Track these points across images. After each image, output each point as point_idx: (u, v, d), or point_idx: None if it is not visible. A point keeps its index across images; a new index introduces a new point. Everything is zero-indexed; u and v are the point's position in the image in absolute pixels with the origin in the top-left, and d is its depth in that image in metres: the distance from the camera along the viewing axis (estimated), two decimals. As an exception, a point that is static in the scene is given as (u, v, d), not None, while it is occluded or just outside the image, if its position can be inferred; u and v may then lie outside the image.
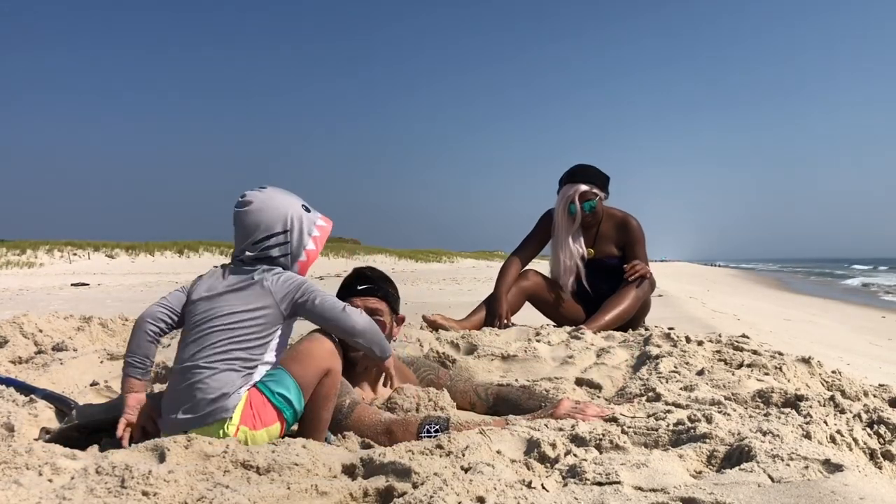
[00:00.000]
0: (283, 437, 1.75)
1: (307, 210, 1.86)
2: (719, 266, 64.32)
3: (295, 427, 1.81)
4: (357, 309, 1.81)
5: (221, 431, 1.64)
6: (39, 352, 2.76)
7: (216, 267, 1.84)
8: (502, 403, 2.19)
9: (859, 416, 1.68)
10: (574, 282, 3.90)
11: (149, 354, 1.74)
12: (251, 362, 1.70)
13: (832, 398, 1.82)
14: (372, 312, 2.08)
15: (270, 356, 1.75)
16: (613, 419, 1.76)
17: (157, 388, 2.34)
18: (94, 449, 1.67)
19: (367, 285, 2.15)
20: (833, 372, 2.50)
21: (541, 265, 4.14)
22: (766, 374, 2.37)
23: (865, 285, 23.02)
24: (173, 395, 1.70)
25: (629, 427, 1.66)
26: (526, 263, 3.99)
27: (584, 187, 3.78)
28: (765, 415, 1.78)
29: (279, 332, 1.76)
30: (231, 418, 1.66)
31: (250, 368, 1.70)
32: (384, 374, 1.97)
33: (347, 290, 2.15)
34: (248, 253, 1.78)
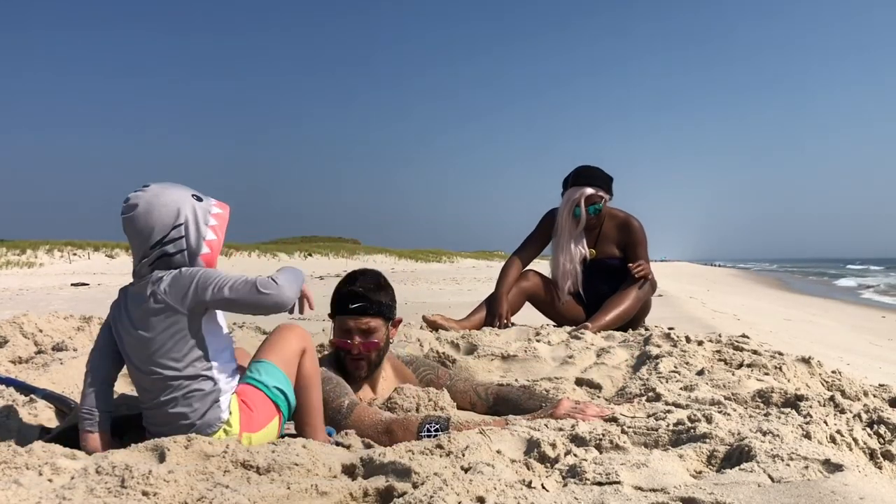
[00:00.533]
0: (281, 433, 1.76)
1: (199, 199, 1.71)
2: (719, 266, 64.61)
3: (292, 424, 1.82)
4: (265, 278, 1.66)
5: (220, 436, 1.65)
6: (39, 352, 2.75)
7: (121, 290, 1.75)
8: (502, 403, 2.19)
9: (859, 416, 1.68)
10: (572, 285, 3.89)
11: (97, 405, 1.69)
12: (203, 372, 1.65)
13: (832, 398, 1.82)
14: (367, 333, 2.08)
15: (221, 357, 1.69)
16: (613, 419, 1.76)
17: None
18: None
19: (358, 304, 2.08)
20: (833, 372, 2.50)
21: (541, 265, 4.14)
22: (766, 374, 2.37)
23: (860, 286, 23.62)
24: (155, 426, 1.68)
25: (629, 427, 1.66)
26: (527, 263, 3.99)
27: (589, 191, 3.77)
28: (765, 415, 1.78)
29: (203, 332, 1.66)
30: (229, 424, 1.66)
31: (208, 375, 1.66)
32: (380, 378, 2.06)
33: (339, 307, 2.11)
34: (144, 261, 1.66)
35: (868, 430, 1.62)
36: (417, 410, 2.03)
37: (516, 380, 2.48)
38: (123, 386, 2.42)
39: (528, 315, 3.95)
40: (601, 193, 3.78)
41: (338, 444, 1.74)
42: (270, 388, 1.70)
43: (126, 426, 1.81)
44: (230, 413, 1.67)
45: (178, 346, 1.64)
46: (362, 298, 2.09)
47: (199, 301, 1.62)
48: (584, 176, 3.83)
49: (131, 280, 1.72)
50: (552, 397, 2.11)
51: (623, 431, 1.63)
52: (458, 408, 2.20)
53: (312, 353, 1.82)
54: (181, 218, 1.65)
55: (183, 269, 1.65)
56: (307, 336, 1.82)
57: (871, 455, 1.53)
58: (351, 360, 2.11)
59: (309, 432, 1.76)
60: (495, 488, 1.24)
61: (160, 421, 1.67)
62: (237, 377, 1.73)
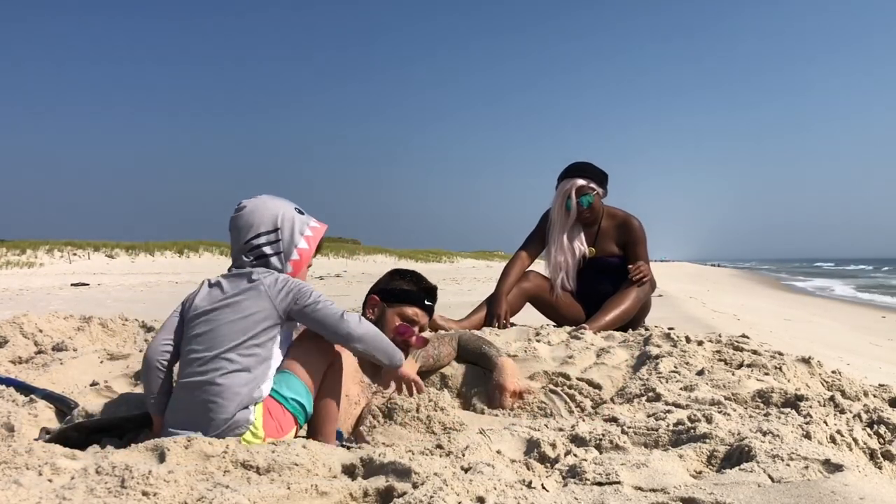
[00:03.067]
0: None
1: (300, 213, 1.89)
2: (719, 266, 64.90)
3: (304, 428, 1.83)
4: (355, 315, 1.80)
5: (248, 439, 1.65)
6: (39, 352, 2.76)
7: (208, 280, 1.83)
8: (462, 349, 2.58)
9: (859, 416, 1.68)
10: (565, 279, 3.89)
11: (162, 391, 1.75)
12: (256, 368, 1.70)
13: (832, 398, 1.82)
14: (422, 329, 2.38)
15: (276, 357, 1.75)
16: (614, 419, 1.76)
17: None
18: (94, 449, 1.67)
19: (435, 302, 2.44)
20: (833, 372, 2.50)
21: (541, 266, 4.15)
22: (766, 374, 2.36)
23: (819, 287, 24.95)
24: (183, 411, 1.68)
25: (629, 427, 1.66)
26: (529, 263, 3.99)
27: (580, 182, 3.79)
28: (765, 415, 1.78)
29: (278, 334, 1.76)
30: (255, 427, 1.66)
31: (256, 373, 1.70)
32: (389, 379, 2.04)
33: (417, 297, 2.39)
34: (242, 257, 1.81)
35: (868, 430, 1.62)
36: (418, 411, 2.03)
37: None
38: (124, 386, 2.43)
39: (529, 315, 3.95)
40: (592, 185, 3.79)
41: (346, 447, 1.74)
42: (289, 400, 1.72)
43: (126, 426, 1.81)
44: (255, 417, 1.68)
45: (253, 334, 1.71)
46: (435, 300, 2.43)
47: (292, 308, 1.74)
48: (576, 169, 3.84)
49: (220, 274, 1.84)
50: (490, 352, 2.48)
51: (623, 431, 1.63)
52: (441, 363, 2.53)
53: (338, 368, 1.83)
54: (279, 223, 1.83)
55: (285, 276, 1.79)
56: (334, 349, 1.82)
57: (871, 455, 1.53)
58: (399, 344, 2.14)
59: (320, 440, 1.77)
60: (495, 488, 1.24)
61: (189, 400, 1.66)
62: (269, 390, 1.74)
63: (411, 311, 2.37)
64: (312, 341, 1.78)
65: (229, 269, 1.83)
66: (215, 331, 1.71)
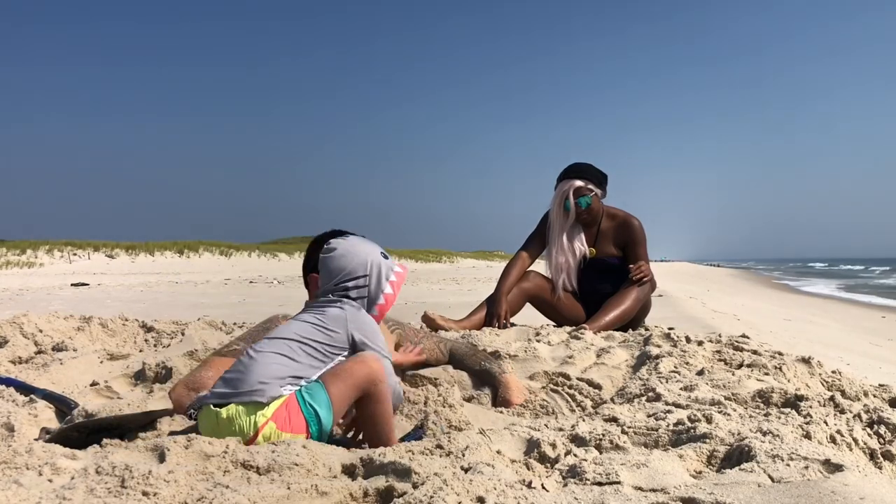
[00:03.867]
0: None
1: (385, 257, 1.97)
2: (718, 266, 65.19)
3: None
4: (397, 385, 1.87)
5: (252, 419, 1.64)
6: (39, 352, 2.76)
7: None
8: (452, 357, 2.54)
9: (859, 416, 1.68)
10: (566, 280, 3.89)
11: None
12: (302, 374, 1.73)
13: (832, 398, 1.82)
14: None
15: (313, 373, 1.76)
16: (614, 419, 1.76)
17: (157, 387, 2.34)
18: (94, 449, 1.67)
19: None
20: (833, 372, 2.50)
21: (541, 266, 4.15)
22: (766, 374, 2.36)
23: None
24: (223, 379, 1.74)
25: (629, 427, 1.66)
26: (529, 263, 3.99)
27: (579, 183, 3.79)
28: (765, 415, 1.78)
29: (339, 359, 1.79)
30: (266, 407, 1.66)
31: (298, 377, 1.72)
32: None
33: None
34: (330, 295, 1.90)
35: (868, 430, 1.62)
36: (425, 405, 2.04)
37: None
38: (124, 386, 2.43)
39: (529, 315, 3.95)
40: (591, 186, 3.79)
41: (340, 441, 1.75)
42: (307, 404, 1.71)
43: (126, 426, 1.81)
44: (274, 399, 1.68)
45: (318, 346, 1.77)
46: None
47: (356, 346, 1.81)
48: (575, 170, 3.84)
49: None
50: (492, 369, 2.40)
51: (623, 431, 1.63)
52: (428, 362, 2.51)
53: (373, 399, 1.76)
54: (368, 269, 1.91)
55: (366, 317, 1.86)
56: (376, 381, 1.76)
57: (871, 455, 1.53)
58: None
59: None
60: (495, 488, 1.24)
61: (234, 366, 1.74)
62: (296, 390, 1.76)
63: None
64: (356, 364, 1.77)
65: (316, 298, 1.92)
66: (289, 327, 1.81)
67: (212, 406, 1.66)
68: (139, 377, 2.47)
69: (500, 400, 2.34)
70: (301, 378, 1.72)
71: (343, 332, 1.80)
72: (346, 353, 1.80)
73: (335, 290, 1.89)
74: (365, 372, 1.75)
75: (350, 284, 1.89)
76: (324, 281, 1.92)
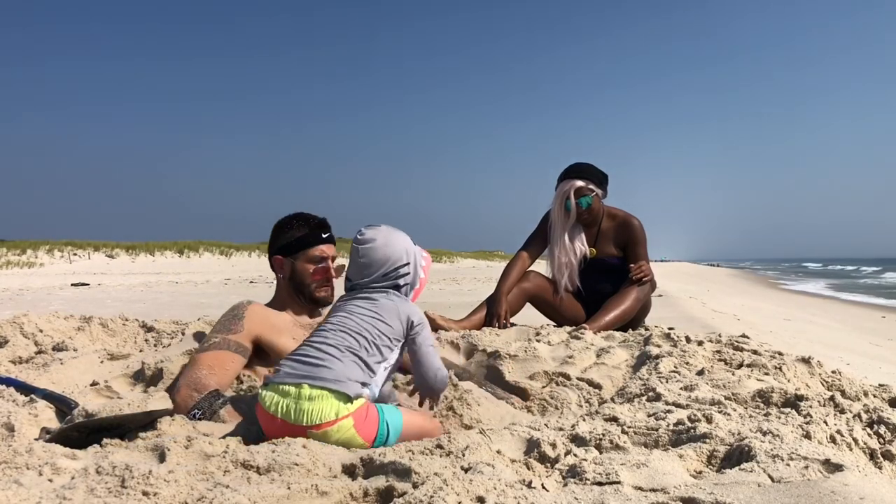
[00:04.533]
0: None
1: (413, 244, 2.04)
2: (718, 266, 65.51)
3: None
4: (443, 371, 1.92)
5: (337, 406, 1.67)
6: (39, 352, 2.76)
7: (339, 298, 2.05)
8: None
9: (859, 416, 1.68)
10: (568, 279, 3.89)
11: None
12: (370, 370, 1.79)
13: (832, 398, 1.82)
14: (334, 259, 2.55)
15: (383, 374, 1.84)
16: (614, 419, 1.76)
17: (152, 390, 2.33)
18: (95, 449, 1.67)
19: (330, 232, 2.56)
20: (833, 372, 2.50)
21: (542, 266, 4.15)
22: (766, 374, 2.36)
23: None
24: (293, 362, 1.76)
25: (629, 427, 1.66)
26: (529, 263, 3.99)
27: (579, 183, 3.79)
28: (765, 415, 1.78)
29: (397, 351, 1.87)
30: (352, 402, 1.70)
31: (369, 374, 1.78)
32: None
33: (312, 238, 2.50)
34: (376, 284, 1.94)
35: (868, 430, 1.62)
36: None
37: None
38: (124, 386, 2.43)
39: (529, 315, 3.95)
40: (591, 186, 3.79)
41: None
42: (384, 420, 1.76)
43: (126, 426, 1.81)
44: (359, 398, 1.73)
45: (379, 338, 1.83)
46: (330, 229, 2.55)
47: (412, 330, 1.89)
48: (575, 170, 3.84)
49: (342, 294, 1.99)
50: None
51: (623, 431, 1.63)
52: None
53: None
54: (409, 257, 1.98)
55: (414, 305, 1.94)
56: (437, 430, 1.86)
57: (871, 455, 1.53)
58: (324, 287, 2.52)
59: None
60: (495, 488, 1.24)
61: (309, 356, 1.76)
62: (376, 396, 1.83)
63: (317, 251, 2.51)
64: (431, 424, 1.88)
65: (354, 288, 1.95)
66: (351, 315, 1.85)
67: (290, 385, 1.69)
68: (138, 377, 2.47)
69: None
70: (369, 379, 1.79)
71: (398, 323, 1.87)
72: (402, 343, 1.88)
73: (383, 280, 1.94)
74: (430, 431, 1.85)
75: (400, 272, 1.95)
76: (366, 271, 1.94)
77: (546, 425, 1.73)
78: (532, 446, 1.55)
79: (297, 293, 2.56)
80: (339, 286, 2.58)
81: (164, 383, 2.36)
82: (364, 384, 1.76)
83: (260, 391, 1.74)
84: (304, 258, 2.51)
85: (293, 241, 2.51)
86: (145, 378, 2.44)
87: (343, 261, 2.47)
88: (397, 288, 1.96)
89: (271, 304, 2.59)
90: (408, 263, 1.97)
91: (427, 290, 11.70)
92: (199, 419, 1.95)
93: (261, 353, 2.36)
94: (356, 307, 1.88)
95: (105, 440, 1.70)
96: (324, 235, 2.52)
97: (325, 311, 2.41)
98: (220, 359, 2.21)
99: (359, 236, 1.98)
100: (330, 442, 1.66)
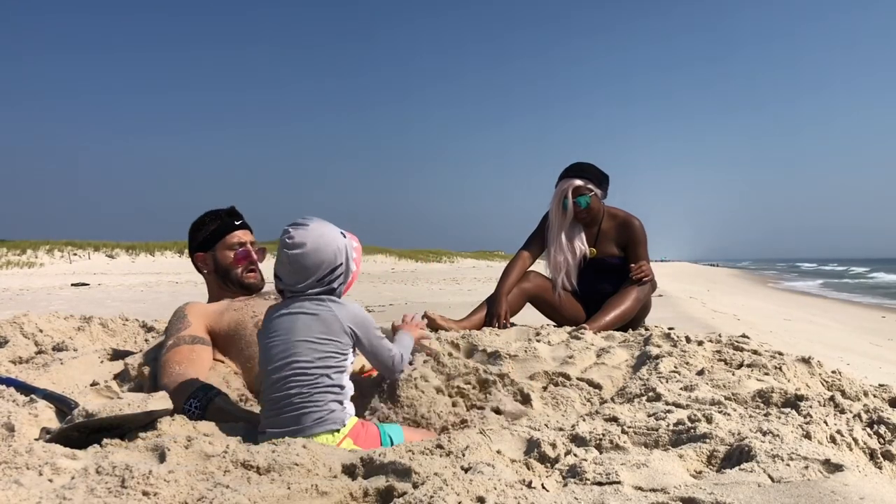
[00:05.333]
0: None
1: (343, 236, 1.97)
2: (717, 266, 65.89)
3: None
4: (399, 354, 1.97)
5: (333, 442, 1.73)
6: (40, 352, 2.75)
7: (272, 300, 2.17)
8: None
9: (859, 416, 1.68)
10: (565, 279, 3.89)
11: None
12: (338, 387, 1.82)
13: (832, 398, 1.82)
14: (253, 244, 2.61)
15: (348, 383, 1.86)
16: (614, 419, 1.76)
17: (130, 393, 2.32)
18: (95, 449, 1.67)
19: (242, 219, 2.63)
20: (833, 372, 2.50)
21: (542, 266, 4.15)
22: (766, 374, 2.36)
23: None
24: (274, 414, 1.78)
25: (629, 427, 1.66)
26: (530, 263, 3.99)
27: (578, 182, 3.79)
28: (765, 415, 1.78)
29: (351, 355, 1.88)
30: (344, 427, 1.77)
31: (339, 391, 1.82)
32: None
33: (224, 228, 2.57)
34: (312, 290, 1.89)
35: (868, 430, 1.62)
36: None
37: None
38: (123, 385, 2.42)
39: (529, 315, 3.95)
40: (590, 186, 3.79)
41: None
42: (388, 435, 1.83)
43: (126, 426, 1.81)
44: (348, 423, 1.80)
45: (334, 355, 1.83)
46: (241, 216, 2.61)
47: (356, 335, 1.88)
48: (575, 169, 3.84)
49: (279, 299, 1.96)
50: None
51: (623, 431, 1.63)
52: None
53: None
54: (341, 258, 1.91)
55: (355, 306, 1.91)
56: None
57: (871, 455, 1.53)
58: (250, 271, 2.59)
59: None
60: (495, 488, 1.24)
61: (279, 403, 1.78)
62: (352, 406, 1.87)
63: (233, 238, 2.58)
64: (429, 433, 1.96)
65: (289, 294, 1.90)
66: (298, 344, 1.83)
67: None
68: (124, 378, 2.45)
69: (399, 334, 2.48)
70: (341, 396, 1.82)
71: (344, 336, 1.85)
72: (352, 348, 1.88)
73: (317, 286, 1.88)
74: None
75: (335, 275, 1.90)
76: (298, 278, 1.87)
77: (546, 425, 1.74)
78: (532, 446, 1.55)
79: (225, 282, 2.62)
80: (266, 270, 2.59)
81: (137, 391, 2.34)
82: (340, 402, 1.80)
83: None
84: (221, 247, 2.58)
85: (208, 234, 2.59)
86: (129, 378, 2.43)
87: (268, 245, 2.57)
88: (332, 291, 1.91)
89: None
90: (340, 264, 1.91)
91: (427, 290, 11.68)
92: (196, 409, 1.97)
93: (220, 343, 2.40)
94: (299, 328, 1.83)
95: (105, 440, 1.70)
96: (237, 223, 2.59)
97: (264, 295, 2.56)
98: (183, 353, 2.24)
99: (287, 240, 1.87)
100: None
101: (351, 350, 1.87)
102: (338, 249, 1.90)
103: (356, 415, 1.89)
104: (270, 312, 1.90)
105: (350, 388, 1.87)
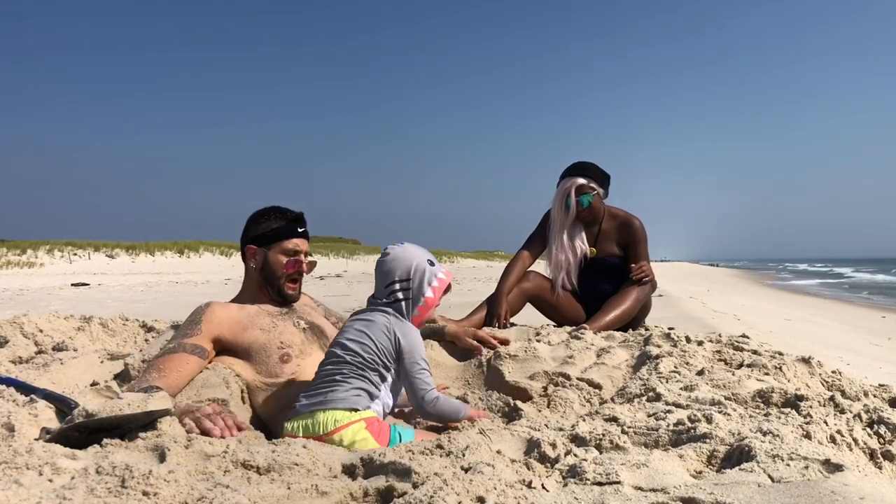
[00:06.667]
0: None
1: (431, 264, 2.15)
2: (717, 266, 66.14)
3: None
4: (436, 394, 2.03)
5: (347, 418, 1.87)
6: (40, 352, 2.75)
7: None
8: None
9: (859, 416, 1.68)
10: (565, 278, 3.89)
11: None
12: (374, 387, 1.97)
13: (832, 398, 1.82)
14: (307, 255, 2.55)
15: (387, 391, 2.01)
16: (614, 419, 1.76)
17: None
18: (95, 449, 1.67)
19: (306, 227, 2.56)
20: (833, 372, 2.50)
21: (542, 266, 4.15)
22: (766, 374, 2.36)
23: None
24: (306, 394, 1.98)
25: (629, 427, 1.66)
26: (530, 263, 3.99)
27: (580, 181, 3.79)
28: (765, 415, 1.78)
29: (392, 373, 2.02)
30: (359, 412, 1.90)
31: (374, 392, 1.96)
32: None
33: (288, 231, 2.49)
34: (382, 298, 2.11)
35: (868, 430, 1.62)
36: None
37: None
38: (123, 385, 2.42)
39: (529, 315, 3.95)
40: (592, 185, 3.79)
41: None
42: (396, 430, 1.94)
43: (126, 426, 1.81)
44: (366, 411, 1.92)
45: (376, 362, 2.00)
46: (305, 224, 2.54)
47: (401, 351, 2.01)
48: (577, 168, 3.84)
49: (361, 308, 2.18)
50: (435, 327, 2.68)
51: (623, 431, 1.63)
52: None
53: None
54: (412, 273, 2.10)
55: (406, 322, 2.07)
56: None
57: (871, 455, 1.53)
58: (293, 282, 2.51)
59: None
60: (495, 488, 1.24)
61: (316, 385, 1.98)
62: (380, 411, 2.00)
63: (291, 244, 2.50)
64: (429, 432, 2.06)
65: (371, 300, 2.13)
66: (349, 342, 2.01)
67: (305, 414, 1.93)
68: (124, 378, 2.46)
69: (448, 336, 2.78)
70: (377, 395, 1.98)
71: (388, 342, 2.00)
72: (395, 363, 2.01)
73: (385, 294, 2.10)
74: None
75: (397, 287, 2.08)
76: (377, 282, 2.13)
77: (546, 425, 1.74)
78: (532, 446, 1.56)
79: (267, 285, 2.54)
80: (306, 285, 2.64)
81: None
82: (369, 395, 1.94)
83: (284, 425, 1.95)
84: (277, 249, 2.50)
85: (269, 231, 2.50)
86: (130, 378, 2.43)
87: (313, 258, 2.54)
88: (396, 302, 2.08)
89: (238, 298, 2.56)
90: (409, 280, 2.08)
91: (427, 290, 11.68)
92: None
93: (238, 353, 2.35)
94: (356, 330, 2.03)
95: (105, 440, 1.70)
96: (300, 229, 2.52)
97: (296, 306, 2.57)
98: (172, 361, 2.20)
99: (382, 250, 2.17)
100: (345, 445, 1.82)
101: (393, 364, 2.00)
102: (414, 268, 2.11)
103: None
104: (349, 317, 2.15)
105: (384, 399, 1.98)
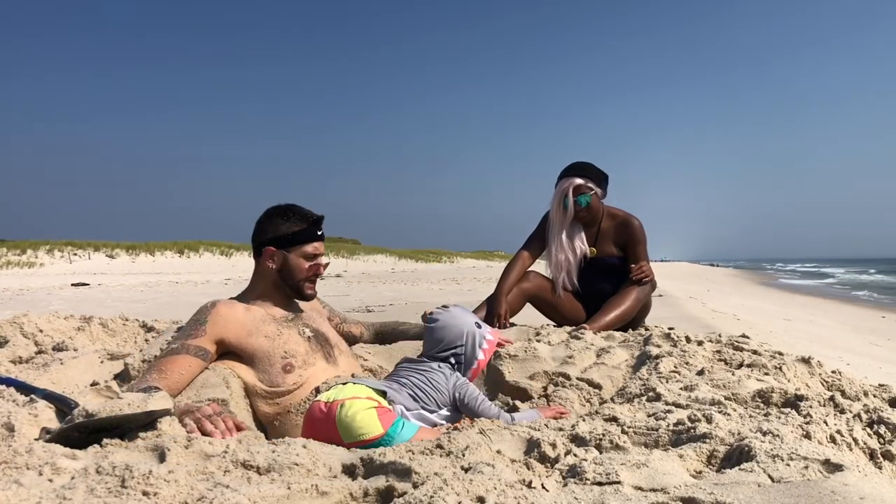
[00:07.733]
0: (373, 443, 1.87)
1: (479, 327, 2.33)
2: (717, 265, 66.34)
3: None
4: (488, 405, 2.15)
5: (366, 394, 1.96)
6: (40, 352, 2.75)
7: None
8: (384, 334, 2.94)
9: (859, 416, 1.68)
10: (565, 278, 3.89)
11: None
12: (420, 406, 2.09)
13: (832, 398, 1.82)
14: (323, 256, 2.59)
15: (420, 420, 2.07)
16: (614, 419, 1.76)
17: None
18: (95, 449, 1.67)
19: (322, 229, 2.58)
20: (833, 372, 2.50)
21: (542, 266, 4.15)
22: (766, 374, 2.36)
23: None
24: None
25: (629, 427, 1.66)
26: (530, 263, 3.99)
27: (578, 181, 3.79)
28: (765, 415, 1.78)
29: (445, 411, 2.13)
30: (383, 397, 2.00)
31: (418, 408, 2.08)
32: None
33: (308, 234, 2.50)
34: (433, 357, 2.29)
35: (868, 430, 1.62)
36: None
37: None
38: (123, 385, 2.43)
39: (529, 315, 3.95)
40: (590, 185, 3.79)
41: None
42: (399, 424, 1.95)
43: (126, 426, 1.81)
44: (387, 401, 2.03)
45: (432, 398, 2.15)
46: (322, 226, 2.57)
47: (459, 396, 2.16)
48: (575, 168, 3.84)
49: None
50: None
51: (623, 431, 1.63)
52: (347, 338, 2.78)
53: None
54: (464, 339, 2.31)
55: (459, 375, 2.24)
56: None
57: (871, 455, 1.53)
58: (312, 283, 2.53)
59: None
60: (495, 488, 1.24)
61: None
62: (409, 417, 2.07)
63: (311, 248, 2.50)
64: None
65: (423, 356, 2.32)
66: (413, 373, 2.19)
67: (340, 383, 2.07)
68: (124, 378, 2.46)
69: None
70: (416, 410, 2.08)
71: (445, 391, 2.15)
72: (450, 407, 2.15)
73: (438, 355, 2.28)
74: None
75: (449, 353, 2.28)
76: (428, 347, 2.32)
77: (546, 425, 1.74)
78: (532, 446, 1.56)
79: (285, 286, 2.52)
80: (320, 285, 2.74)
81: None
82: (406, 409, 2.04)
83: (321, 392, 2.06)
84: (298, 252, 2.47)
85: (290, 234, 2.47)
86: (130, 378, 2.44)
87: (326, 259, 2.57)
88: (451, 365, 2.26)
89: (245, 295, 2.54)
90: (462, 345, 2.29)
91: (427, 290, 11.70)
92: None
93: (236, 354, 2.33)
94: (414, 372, 2.20)
95: (105, 440, 1.70)
96: (318, 233, 2.52)
97: (304, 305, 2.63)
98: (174, 363, 2.19)
99: (429, 316, 2.36)
100: (349, 415, 1.89)
101: (446, 407, 2.13)
102: (464, 333, 2.31)
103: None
104: (399, 363, 2.31)
105: (418, 424, 2.02)
